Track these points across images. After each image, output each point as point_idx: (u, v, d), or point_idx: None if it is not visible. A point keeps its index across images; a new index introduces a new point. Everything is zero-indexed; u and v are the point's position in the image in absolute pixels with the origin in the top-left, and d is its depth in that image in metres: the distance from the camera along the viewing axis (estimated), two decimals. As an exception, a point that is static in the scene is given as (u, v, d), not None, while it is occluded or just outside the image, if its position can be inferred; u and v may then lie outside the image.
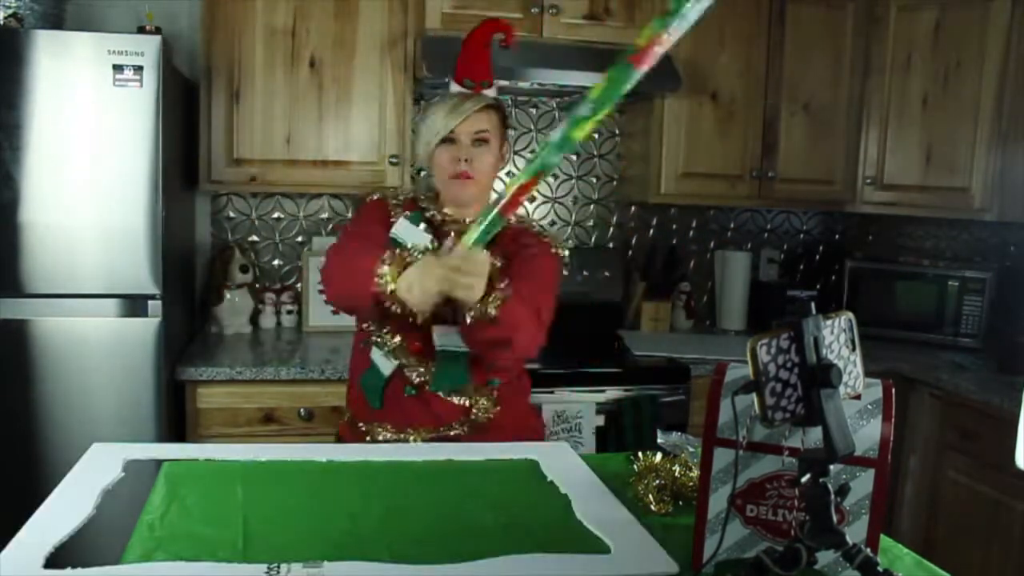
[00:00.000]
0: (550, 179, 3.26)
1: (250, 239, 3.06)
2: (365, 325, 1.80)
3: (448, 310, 1.66)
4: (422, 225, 1.76)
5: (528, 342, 1.65)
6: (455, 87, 1.79)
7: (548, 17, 2.78)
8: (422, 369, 1.75)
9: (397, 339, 1.74)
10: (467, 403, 1.76)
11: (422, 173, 3.02)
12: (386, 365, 1.76)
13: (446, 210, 1.81)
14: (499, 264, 1.62)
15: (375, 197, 1.85)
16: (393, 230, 1.74)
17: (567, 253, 1.84)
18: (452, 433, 1.76)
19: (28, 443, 2.24)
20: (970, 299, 3.01)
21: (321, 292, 1.89)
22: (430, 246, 1.67)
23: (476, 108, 1.74)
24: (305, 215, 3.09)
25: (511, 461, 1.56)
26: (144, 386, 2.29)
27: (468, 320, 1.58)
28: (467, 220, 1.73)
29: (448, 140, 1.75)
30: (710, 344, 3.02)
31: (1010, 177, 2.85)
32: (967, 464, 2.56)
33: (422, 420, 1.76)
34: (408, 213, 1.78)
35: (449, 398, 1.75)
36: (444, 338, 1.70)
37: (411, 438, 1.76)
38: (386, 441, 1.77)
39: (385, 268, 1.55)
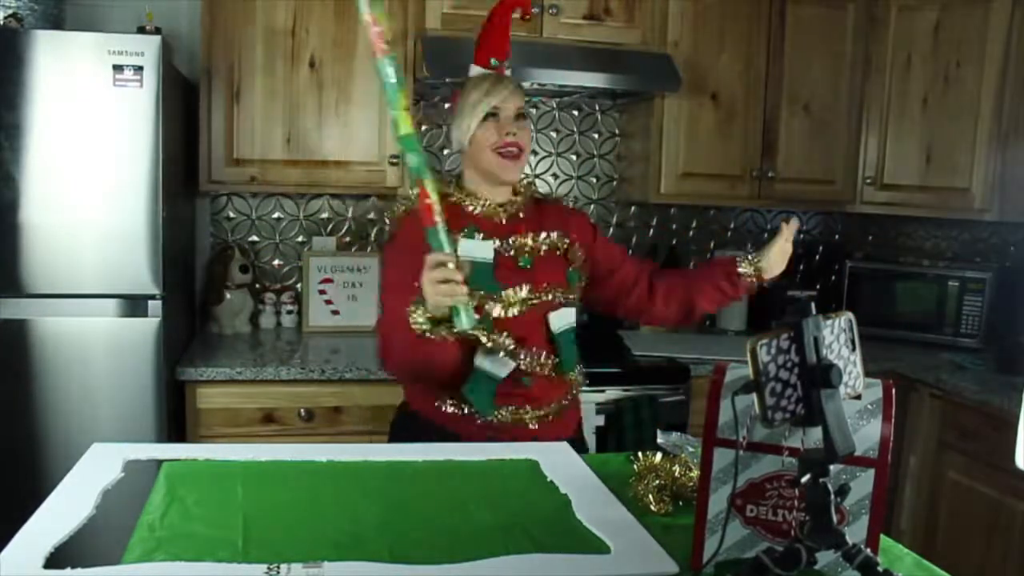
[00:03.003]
0: (549, 179, 3.26)
1: (250, 239, 3.05)
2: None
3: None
4: (478, 235, 1.74)
5: None
6: (477, 69, 1.81)
7: (548, 17, 2.78)
8: (533, 357, 1.75)
9: (508, 339, 1.72)
10: (571, 377, 1.86)
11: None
12: (502, 367, 1.71)
13: (477, 195, 1.79)
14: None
15: (401, 211, 1.79)
16: (460, 253, 1.57)
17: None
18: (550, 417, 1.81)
19: (28, 443, 2.25)
20: (970, 299, 3.00)
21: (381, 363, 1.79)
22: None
23: (515, 85, 1.77)
24: (305, 215, 3.09)
25: (511, 461, 1.56)
26: (144, 386, 2.30)
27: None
28: (495, 203, 1.79)
29: (492, 115, 1.74)
30: (710, 344, 3.01)
31: (1010, 177, 2.85)
32: (967, 464, 2.56)
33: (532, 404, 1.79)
34: (465, 229, 1.74)
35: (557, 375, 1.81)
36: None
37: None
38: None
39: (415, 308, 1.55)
